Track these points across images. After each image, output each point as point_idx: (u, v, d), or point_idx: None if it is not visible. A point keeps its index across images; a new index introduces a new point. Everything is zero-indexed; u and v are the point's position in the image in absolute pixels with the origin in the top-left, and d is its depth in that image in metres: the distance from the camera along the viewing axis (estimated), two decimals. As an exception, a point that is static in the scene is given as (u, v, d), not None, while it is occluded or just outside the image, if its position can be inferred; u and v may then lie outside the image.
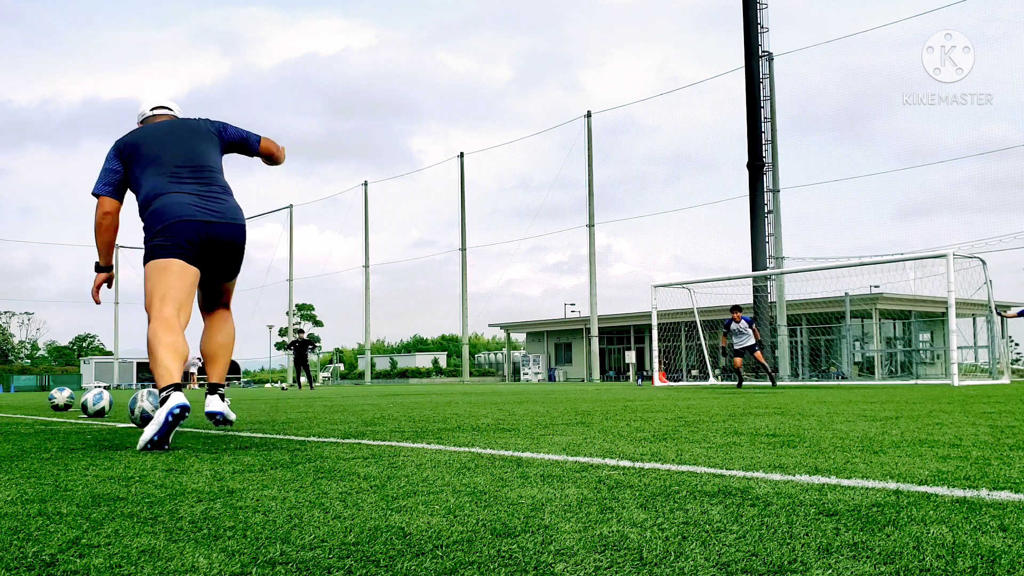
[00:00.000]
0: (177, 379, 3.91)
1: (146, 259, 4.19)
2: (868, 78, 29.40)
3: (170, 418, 3.72)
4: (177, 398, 3.77)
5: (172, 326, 4.05)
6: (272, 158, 4.76)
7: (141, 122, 4.68)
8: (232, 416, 4.61)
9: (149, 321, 4.07)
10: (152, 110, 4.67)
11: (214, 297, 4.60)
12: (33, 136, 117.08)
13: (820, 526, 1.86)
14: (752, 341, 16.29)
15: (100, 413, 6.61)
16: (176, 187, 4.20)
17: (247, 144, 4.62)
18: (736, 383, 16.85)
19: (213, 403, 4.38)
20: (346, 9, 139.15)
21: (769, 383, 17.16)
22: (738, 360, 16.59)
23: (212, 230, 4.20)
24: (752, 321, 16.82)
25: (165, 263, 4.12)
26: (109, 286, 4.64)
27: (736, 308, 16.81)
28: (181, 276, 4.14)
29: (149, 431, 3.74)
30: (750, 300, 26.71)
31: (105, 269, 4.55)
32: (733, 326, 16.42)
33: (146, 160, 4.28)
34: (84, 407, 6.85)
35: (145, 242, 4.23)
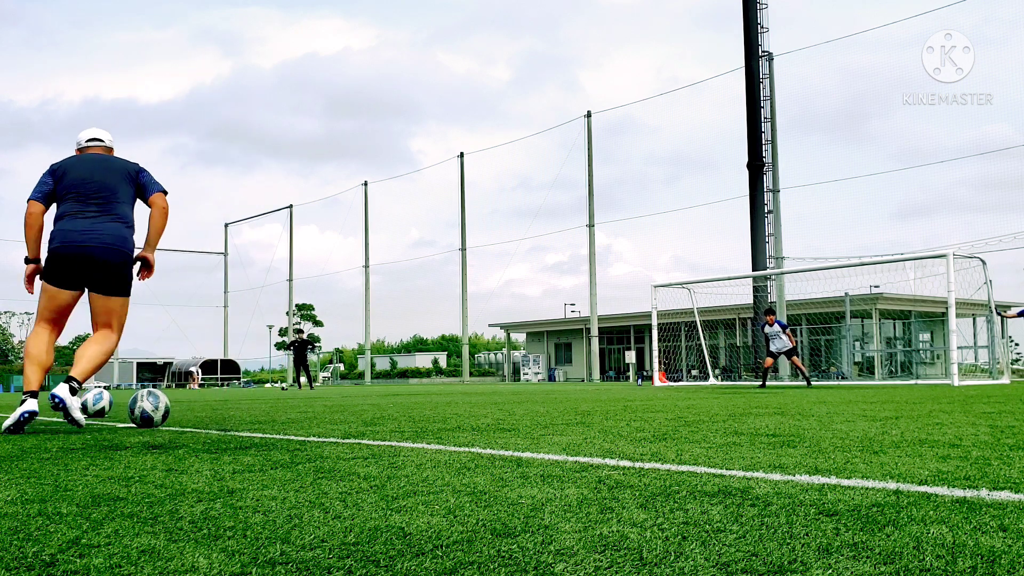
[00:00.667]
0: (34, 386, 4.97)
1: (42, 276, 5.24)
2: (868, 78, 29.43)
3: (22, 418, 4.81)
4: (29, 404, 4.87)
5: (39, 340, 5.17)
6: (156, 214, 5.31)
7: (78, 149, 5.50)
8: (77, 415, 4.95)
9: (33, 328, 5.27)
10: (87, 141, 5.52)
11: (97, 317, 5.29)
12: (34, 136, 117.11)
13: (820, 526, 1.86)
14: (790, 345, 16.45)
15: (100, 413, 6.55)
16: (77, 214, 5.12)
17: (144, 190, 5.35)
18: (761, 383, 16.88)
19: (60, 389, 4.90)
20: (346, 9, 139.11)
21: (804, 383, 17.26)
22: (769, 360, 16.70)
23: (87, 251, 5.07)
24: (786, 326, 16.92)
25: (45, 286, 5.19)
26: (41, 277, 5.27)
27: (769, 311, 16.95)
28: (54, 298, 5.17)
29: (6, 423, 4.81)
30: (750, 300, 26.74)
31: (33, 261, 5.28)
32: (767, 329, 16.55)
33: (68, 184, 5.20)
34: (84, 407, 6.81)
35: (26, 258, 5.27)
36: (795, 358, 16.67)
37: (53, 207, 5.29)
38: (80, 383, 4.99)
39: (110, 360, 21.76)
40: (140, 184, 5.34)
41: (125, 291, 5.31)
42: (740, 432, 4.38)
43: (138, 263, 5.37)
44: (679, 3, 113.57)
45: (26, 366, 5.09)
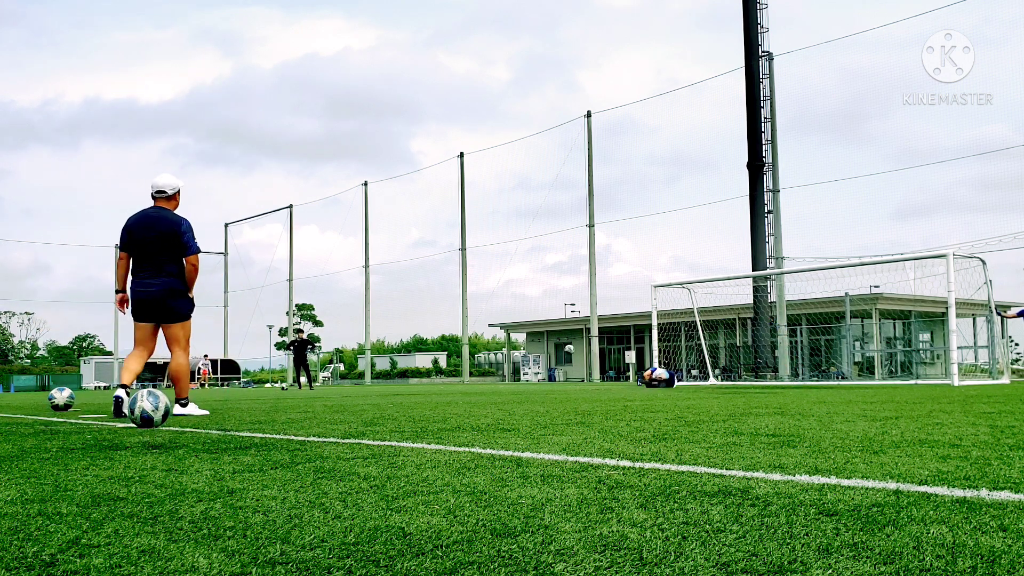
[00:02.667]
0: (125, 381, 6.87)
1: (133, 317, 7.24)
2: (867, 79, 29.42)
3: (116, 400, 6.74)
4: (118, 392, 6.81)
5: (132, 357, 7.15)
6: (190, 270, 7.10)
7: (152, 194, 7.19)
8: (184, 411, 7.12)
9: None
10: (153, 193, 7.17)
11: (168, 340, 7.18)
12: (34, 137, 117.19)
13: (820, 526, 1.86)
14: None
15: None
16: (140, 272, 7.02)
17: (184, 249, 7.02)
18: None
19: (177, 409, 7.02)
20: (347, 10, 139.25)
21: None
22: None
23: (146, 296, 7.00)
24: None
25: (135, 324, 7.16)
26: (124, 304, 7.23)
27: None
28: (139, 329, 7.14)
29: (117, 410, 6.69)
30: (750, 300, 26.74)
31: (121, 292, 7.22)
32: None
33: (132, 244, 7.02)
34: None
35: (117, 291, 7.33)
36: None
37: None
38: (186, 398, 7.17)
39: (111, 360, 21.76)
40: (182, 243, 6.99)
41: (181, 319, 7.12)
42: (740, 432, 4.38)
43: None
44: (679, 5, 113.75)
45: (122, 372, 7.05)
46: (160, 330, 7.15)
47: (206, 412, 7.36)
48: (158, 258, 6.96)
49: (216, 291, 55.99)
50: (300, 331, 27.85)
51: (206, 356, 46.24)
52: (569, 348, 49.82)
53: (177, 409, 6.95)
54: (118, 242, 7.32)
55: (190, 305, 7.18)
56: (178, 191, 7.20)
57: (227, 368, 53.18)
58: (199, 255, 7.19)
